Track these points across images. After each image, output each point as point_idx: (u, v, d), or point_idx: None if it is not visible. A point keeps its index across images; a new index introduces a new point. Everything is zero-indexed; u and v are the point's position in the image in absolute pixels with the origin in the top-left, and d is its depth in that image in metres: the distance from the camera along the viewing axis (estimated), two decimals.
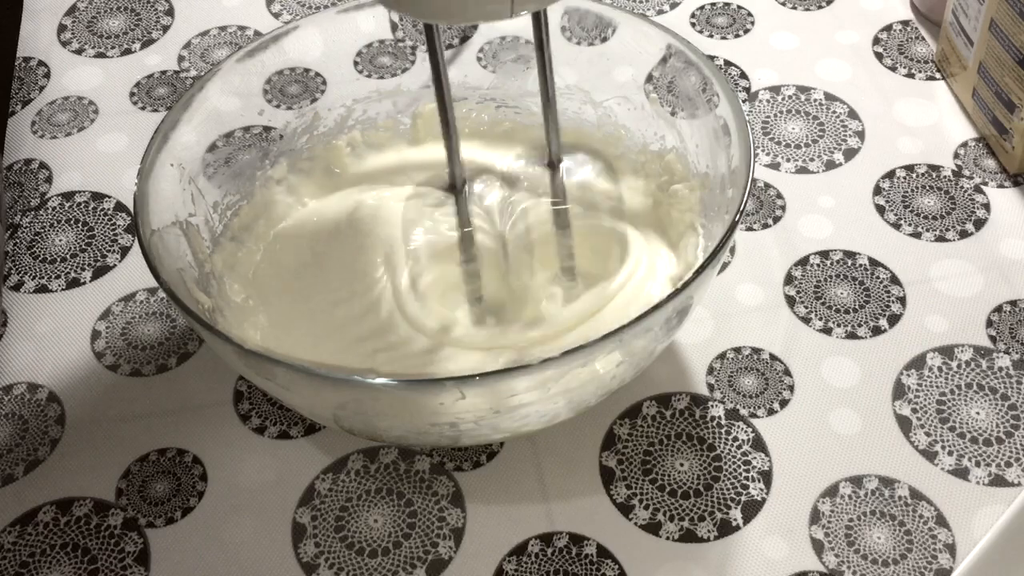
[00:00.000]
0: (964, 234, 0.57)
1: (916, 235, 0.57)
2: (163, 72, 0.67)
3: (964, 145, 0.61)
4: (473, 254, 0.51)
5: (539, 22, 0.45)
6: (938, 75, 0.65)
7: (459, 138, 0.50)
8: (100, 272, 0.57)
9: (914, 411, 0.50)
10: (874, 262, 0.56)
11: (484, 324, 0.49)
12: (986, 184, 0.59)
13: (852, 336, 0.53)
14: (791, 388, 0.51)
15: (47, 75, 0.67)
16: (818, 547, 0.46)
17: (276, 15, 0.70)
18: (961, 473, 0.48)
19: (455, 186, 0.52)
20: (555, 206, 0.52)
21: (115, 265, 0.57)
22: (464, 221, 0.52)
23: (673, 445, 0.49)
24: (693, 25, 0.68)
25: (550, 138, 0.50)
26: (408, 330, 0.48)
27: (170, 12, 0.70)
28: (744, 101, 0.63)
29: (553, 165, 0.52)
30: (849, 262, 0.56)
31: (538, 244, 0.51)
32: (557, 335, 0.48)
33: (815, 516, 0.47)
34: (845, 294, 0.54)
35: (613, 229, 0.52)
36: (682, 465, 0.48)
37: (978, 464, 0.48)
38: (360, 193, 0.54)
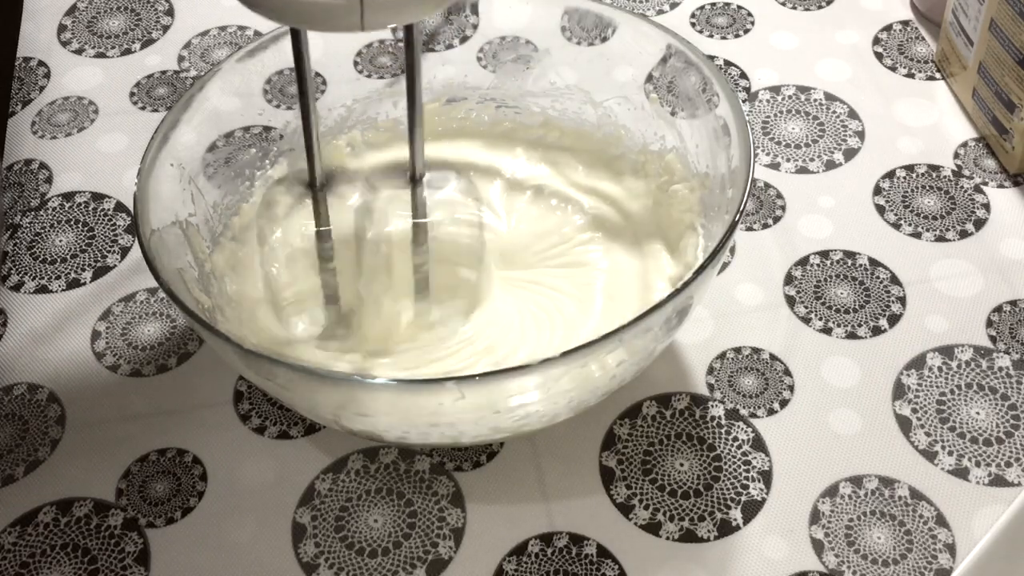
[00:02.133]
0: (964, 234, 0.57)
1: (916, 235, 0.57)
2: (163, 72, 0.67)
3: (964, 145, 0.61)
4: (328, 251, 0.51)
5: (410, 35, 0.45)
6: (938, 75, 0.65)
7: (319, 136, 0.49)
8: (100, 272, 0.57)
9: (914, 411, 0.50)
10: (874, 262, 0.56)
11: (333, 337, 0.49)
12: (986, 184, 0.59)
13: (852, 336, 0.53)
14: (791, 388, 0.51)
15: (47, 75, 0.67)
16: (818, 547, 0.46)
17: None
18: (961, 473, 0.48)
19: (313, 185, 0.51)
20: (415, 221, 0.51)
21: (115, 265, 0.57)
22: (323, 221, 0.51)
23: (673, 445, 0.49)
24: (693, 25, 0.68)
25: (414, 153, 0.49)
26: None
27: (170, 12, 0.70)
28: (744, 101, 0.63)
29: (415, 179, 0.50)
30: (849, 262, 0.56)
31: (400, 253, 0.51)
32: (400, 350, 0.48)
33: (815, 516, 0.47)
34: (845, 294, 0.54)
35: (471, 248, 0.52)
36: (682, 465, 0.48)
37: (978, 464, 0.48)
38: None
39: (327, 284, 0.51)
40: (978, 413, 0.50)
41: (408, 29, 0.45)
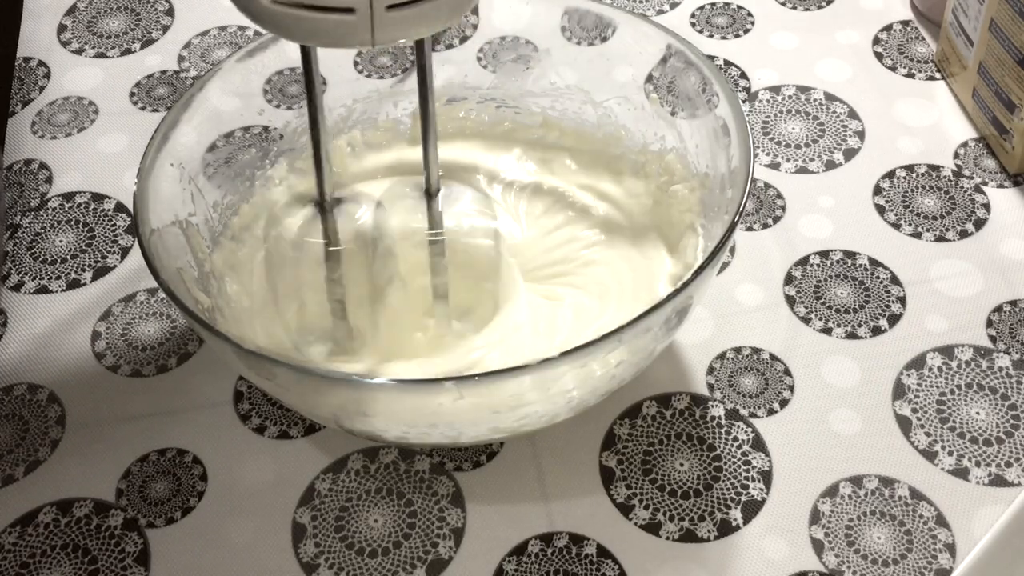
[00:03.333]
0: (964, 234, 0.57)
1: (916, 235, 0.57)
2: (163, 72, 0.67)
3: (964, 145, 0.61)
4: (340, 272, 0.50)
5: (421, 50, 0.44)
6: (938, 75, 0.65)
7: (328, 156, 0.48)
8: (100, 273, 0.57)
9: (914, 411, 0.50)
10: (874, 262, 0.56)
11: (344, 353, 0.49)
12: (986, 184, 0.59)
13: (852, 336, 0.53)
14: (791, 388, 0.51)
15: (47, 75, 0.67)
16: (818, 547, 0.46)
17: None
18: (961, 473, 0.48)
19: (322, 203, 0.50)
20: (431, 238, 0.50)
21: (115, 265, 0.57)
22: (333, 240, 0.50)
23: (673, 445, 0.49)
24: (693, 25, 0.68)
25: (429, 167, 0.48)
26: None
27: (170, 12, 0.70)
28: (744, 101, 0.63)
29: (431, 195, 0.50)
30: (849, 262, 0.56)
31: (412, 270, 0.50)
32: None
33: (815, 516, 0.47)
34: (845, 294, 0.54)
35: (490, 257, 0.51)
36: (682, 465, 0.48)
37: (978, 464, 0.48)
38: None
39: (337, 301, 0.50)
40: (978, 413, 0.50)
41: (419, 44, 0.44)
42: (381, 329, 0.49)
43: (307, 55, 0.44)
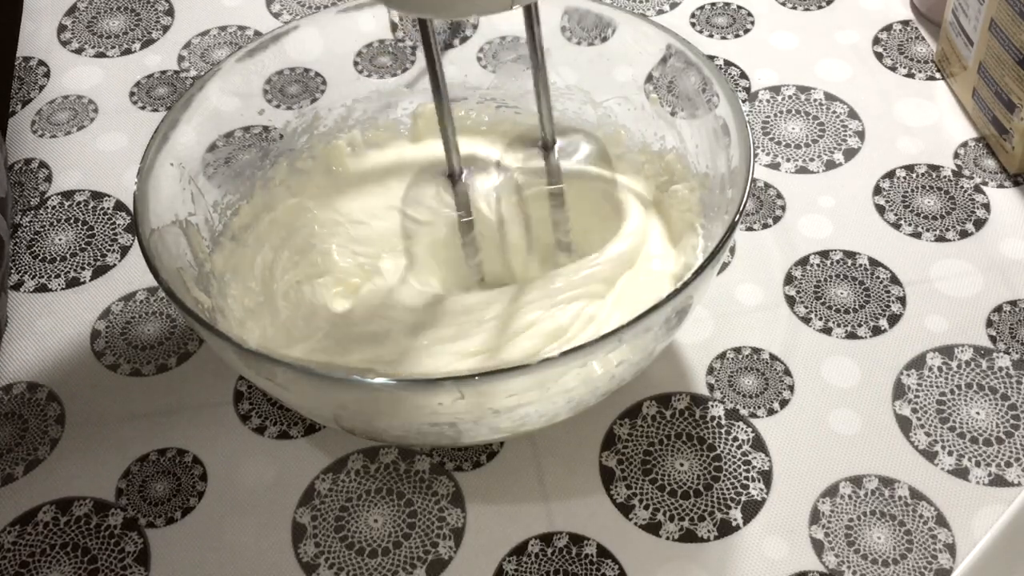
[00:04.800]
0: (964, 234, 0.57)
1: (916, 235, 0.57)
2: (163, 72, 0.67)
3: (964, 145, 0.61)
4: (472, 238, 0.52)
5: (530, 16, 0.46)
6: (938, 75, 0.65)
7: (455, 130, 0.50)
8: (100, 271, 0.57)
9: (914, 411, 0.50)
10: (874, 262, 0.56)
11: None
12: (986, 184, 0.59)
13: (852, 336, 0.53)
14: (791, 388, 0.51)
15: (47, 75, 0.67)
16: (818, 547, 0.46)
17: (276, 15, 0.70)
18: (961, 473, 0.48)
19: (452, 176, 0.52)
20: (551, 187, 0.53)
21: (115, 264, 0.57)
22: (463, 210, 0.52)
23: (673, 445, 0.49)
24: (693, 25, 0.68)
25: (543, 121, 0.51)
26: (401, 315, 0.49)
27: (170, 12, 0.70)
28: (744, 101, 0.63)
29: (547, 147, 0.52)
30: (849, 262, 0.56)
31: (536, 224, 0.53)
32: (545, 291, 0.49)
33: (815, 516, 0.47)
34: (845, 294, 0.54)
35: (609, 194, 0.53)
36: (682, 465, 0.48)
37: (978, 464, 0.48)
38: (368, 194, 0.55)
39: (475, 268, 0.53)
40: (978, 413, 0.50)
41: (528, 10, 0.46)
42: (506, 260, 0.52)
43: (426, 28, 0.45)
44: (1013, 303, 0.54)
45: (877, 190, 0.59)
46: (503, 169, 0.54)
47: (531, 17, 0.46)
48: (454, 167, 0.51)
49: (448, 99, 0.48)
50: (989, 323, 0.53)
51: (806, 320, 0.53)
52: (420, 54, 0.60)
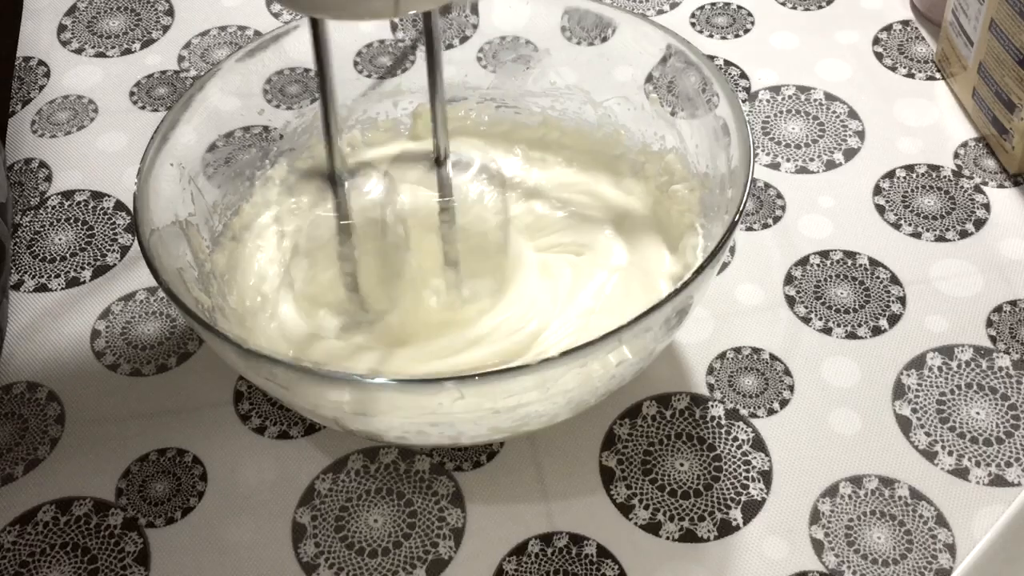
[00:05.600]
0: (964, 234, 0.57)
1: (916, 235, 0.57)
2: (163, 72, 0.67)
3: (964, 145, 0.61)
4: (352, 245, 0.50)
5: (428, 20, 0.45)
6: (938, 75, 0.65)
7: (339, 129, 0.48)
8: (100, 271, 0.57)
9: (914, 411, 0.50)
10: (874, 262, 0.56)
11: (358, 329, 0.49)
12: (986, 184, 0.59)
13: (852, 336, 0.53)
14: (791, 388, 0.51)
15: (47, 75, 0.67)
16: (818, 547, 0.46)
17: (276, 15, 0.70)
18: (961, 473, 0.48)
19: (332, 177, 0.50)
20: (441, 201, 0.51)
21: (115, 264, 0.57)
22: (343, 213, 0.51)
23: (673, 445, 0.49)
24: (693, 25, 0.68)
25: (437, 134, 0.49)
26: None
27: (170, 12, 0.70)
28: (744, 101, 0.63)
29: (440, 162, 0.50)
30: (849, 262, 0.56)
31: (422, 238, 0.51)
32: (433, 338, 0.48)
33: (815, 516, 0.47)
34: (845, 294, 0.54)
35: (495, 235, 0.52)
36: (682, 465, 0.48)
37: (978, 464, 0.48)
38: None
39: (349, 274, 0.50)
40: (978, 413, 0.50)
41: (427, 16, 0.45)
42: (394, 300, 0.50)
43: (316, 25, 0.44)
44: (1013, 303, 0.54)
45: (877, 190, 0.59)
46: (390, 176, 0.53)
47: (429, 22, 0.45)
48: (334, 169, 0.49)
49: (335, 100, 0.46)
50: (989, 323, 0.53)
51: (806, 320, 0.53)
52: (420, 54, 0.60)
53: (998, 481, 0.47)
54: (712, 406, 0.50)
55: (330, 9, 0.40)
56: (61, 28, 0.70)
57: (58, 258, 0.57)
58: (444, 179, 0.50)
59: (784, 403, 0.50)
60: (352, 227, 0.50)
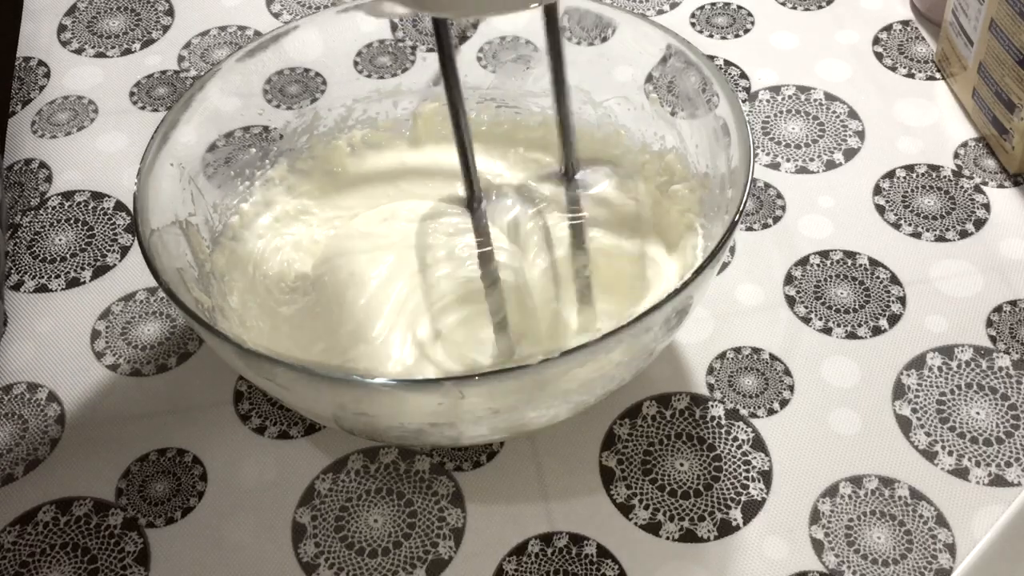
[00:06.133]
0: (964, 234, 0.57)
1: (916, 235, 0.57)
2: (163, 72, 0.67)
3: (964, 145, 0.61)
4: (494, 279, 0.49)
5: (553, 19, 0.43)
6: (938, 75, 0.65)
7: (474, 151, 0.48)
8: (100, 272, 0.57)
9: (914, 411, 0.50)
10: (874, 262, 0.56)
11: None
12: (986, 184, 0.59)
13: (852, 336, 0.53)
14: (791, 388, 0.51)
15: (47, 75, 0.67)
16: (818, 547, 0.46)
17: (276, 15, 0.70)
18: (961, 473, 0.48)
19: (471, 204, 0.50)
20: (572, 222, 0.51)
21: (115, 265, 0.57)
22: (483, 241, 0.50)
23: (673, 445, 0.49)
24: (693, 25, 0.68)
25: (566, 148, 0.48)
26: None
27: (170, 12, 0.70)
28: (744, 101, 0.63)
29: (569, 176, 0.50)
30: (849, 262, 0.56)
31: (559, 267, 0.50)
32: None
33: (815, 516, 0.47)
34: (845, 294, 0.54)
35: (636, 252, 0.51)
36: (682, 465, 0.48)
37: (978, 464, 0.48)
38: (377, 211, 0.53)
39: (495, 307, 0.49)
40: (978, 413, 0.50)
41: (550, 10, 0.43)
42: (533, 326, 0.49)
43: (440, 35, 0.42)
44: (1013, 303, 0.54)
45: (877, 190, 0.59)
46: (522, 197, 0.52)
47: (553, 22, 0.43)
48: (474, 193, 0.48)
49: (466, 116, 0.45)
50: (989, 323, 0.53)
51: (806, 320, 0.53)
52: (420, 54, 0.60)
53: (998, 481, 0.47)
54: (712, 406, 0.50)
55: (465, 7, 0.38)
56: (61, 28, 0.70)
57: (58, 258, 0.57)
58: (574, 196, 0.50)
59: (784, 403, 0.50)
60: (493, 255, 0.49)
